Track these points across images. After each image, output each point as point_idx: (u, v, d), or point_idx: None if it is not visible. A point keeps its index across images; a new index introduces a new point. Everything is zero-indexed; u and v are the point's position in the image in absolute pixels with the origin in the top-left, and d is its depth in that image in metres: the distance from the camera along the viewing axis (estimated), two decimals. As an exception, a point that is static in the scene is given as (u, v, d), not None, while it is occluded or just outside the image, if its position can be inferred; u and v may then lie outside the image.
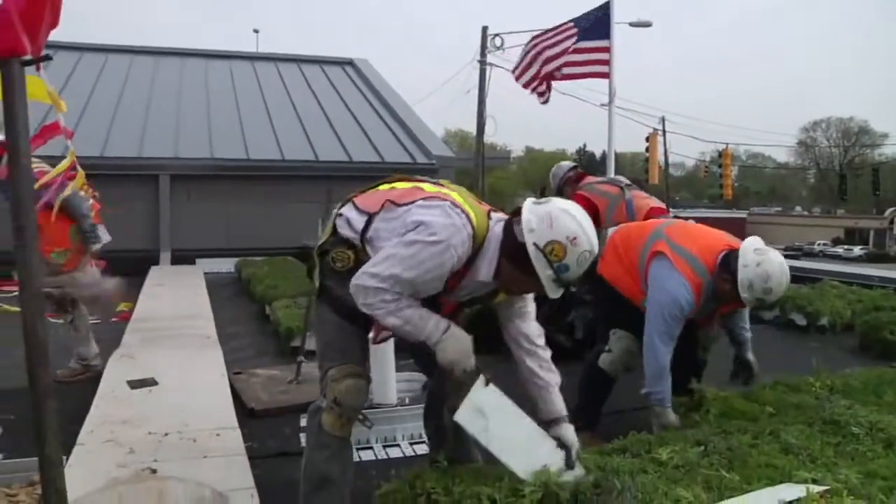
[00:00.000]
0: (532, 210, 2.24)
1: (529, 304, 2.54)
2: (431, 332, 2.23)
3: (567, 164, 6.31)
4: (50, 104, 2.78)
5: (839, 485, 2.30)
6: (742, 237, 3.55)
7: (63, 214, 4.51)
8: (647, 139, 23.88)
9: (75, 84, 14.31)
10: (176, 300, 7.96)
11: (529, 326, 2.52)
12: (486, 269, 2.29)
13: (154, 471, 2.99)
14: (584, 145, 61.81)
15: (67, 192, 4.34)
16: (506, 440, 2.27)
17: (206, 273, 10.50)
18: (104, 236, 5.09)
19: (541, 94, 9.02)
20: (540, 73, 8.88)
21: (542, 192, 6.19)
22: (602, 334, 3.89)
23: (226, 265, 11.39)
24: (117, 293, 5.53)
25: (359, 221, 2.42)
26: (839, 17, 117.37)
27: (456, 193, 2.39)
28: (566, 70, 8.88)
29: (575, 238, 2.17)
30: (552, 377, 2.50)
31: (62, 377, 4.75)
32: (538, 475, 2.24)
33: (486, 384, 2.26)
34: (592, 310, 4.92)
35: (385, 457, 3.58)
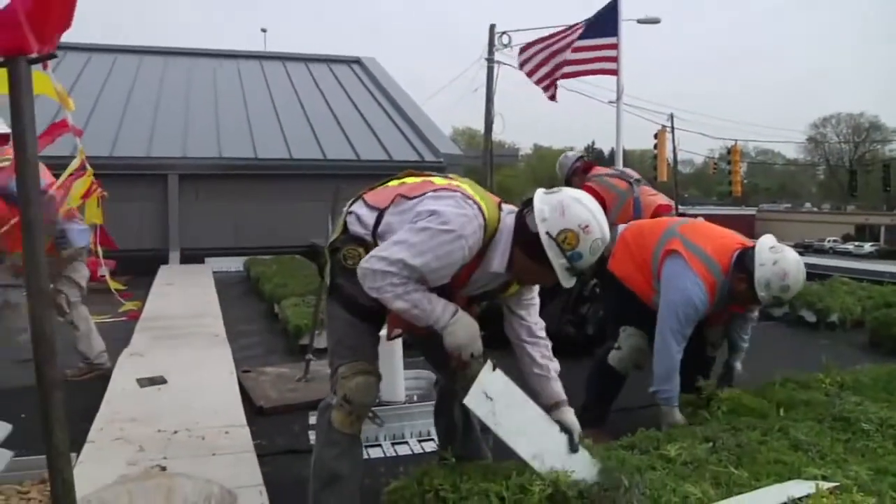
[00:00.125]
0: (544, 199, 2.25)
1: (535, 296, 2.56)
2: (440, 316, 2.23)
3: (573, 154, 6.29)
4: (59, 103, 2.79)
5: (849, 481, 2.29)
6: (751, 234, 3.54)
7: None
8: (656, 136, 23.75)
9: (84, 84, 14.40)
10: (185, 299, 8.00)
11: (533, 318, 2.55)
12: (498, 261, 2.30)
13: (163, 468, 3.01)
14: (593, 142, 61.73)
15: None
16: (512, 424, 2.28)
17: (215, 272, 10.57)
18: (78, 240, 4.85)
19: (550, 91, 9.04)
20: (554, 73, 8.89)
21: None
22: (612, 331, 3.89)
23: (235, 264, 11.45)
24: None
25: (370, 218, 2.43)
26: (851, 13, 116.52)
27: (467, 185, 2.40)
28: (575, 68, 8.88)
29: (587, 226, 2.18)
30: (552, 365, 2.53)
31: (71, 376, 4.77)
32: (548, 474, 2.25)
33: (494, 369, 2.28)
34: (603, 306, 4.92)
35: (393, 454, 3.58)
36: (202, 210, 12.29)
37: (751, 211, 57.18)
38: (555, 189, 2.33)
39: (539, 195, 2.29)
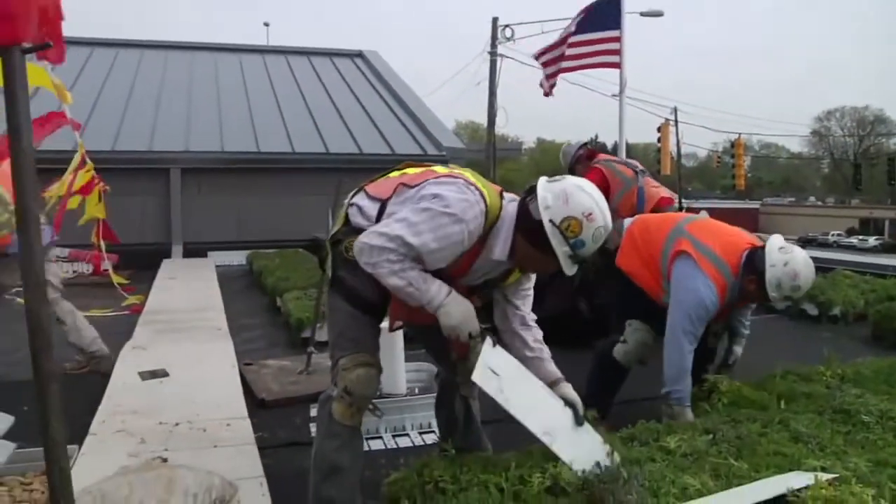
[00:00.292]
0: (547, 187, 2.26)
1: (531, 287, 2.58)
2: (434, 296, 2.24)
3: (577, 142, 6.31)
4: (57, 98, 2.79)
5: (848, 473, 2.29)
6: (755, 228, 3.55)
7: None
8: (659, 129, 23.72)
9: (86, 79, 14.40)
10: (188, 293, 8.01)
11: (527, 308, 2.56)
12: (500, 248, 2.30)
13: (164, 460, 3.02)
14: (596, 136, 61.49)
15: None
16: (521, 400, 2.29)
17: (217, 266, 10.58)
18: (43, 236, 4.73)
19: (550, 83, 9.02)
20: (557, 65, 8.87)
21: None
22: (617, 325, 3.89)
23: (237, 258, 11.46)
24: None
25: (372, 209, 2.43)
26: (856, 5, 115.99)
27: (468, 173, 2.41)
28: (577, 62, 8.85)
29: (590, 214, 2.19)
30: (545, 348, 2.55)
31: (70, 370, 4.78)
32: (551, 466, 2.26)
33: (494, 345, 2.29)
34: (604, 297, 4.97)
35: (394, 446, 3.59)
36: (204, 204, 12.30)
37: (755, 205, 57.07)
38: (558, 177, 2.33)
39: (542, 183, 2.29)
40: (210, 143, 12.60)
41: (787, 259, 3.27)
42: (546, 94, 9.17)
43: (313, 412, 3.55)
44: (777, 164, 69.09)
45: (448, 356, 2.62)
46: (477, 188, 2.27)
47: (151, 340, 5.48)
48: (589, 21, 8.69)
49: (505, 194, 2.40)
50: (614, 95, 9.38)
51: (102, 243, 8.34)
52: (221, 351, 5.17)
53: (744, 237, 3.60)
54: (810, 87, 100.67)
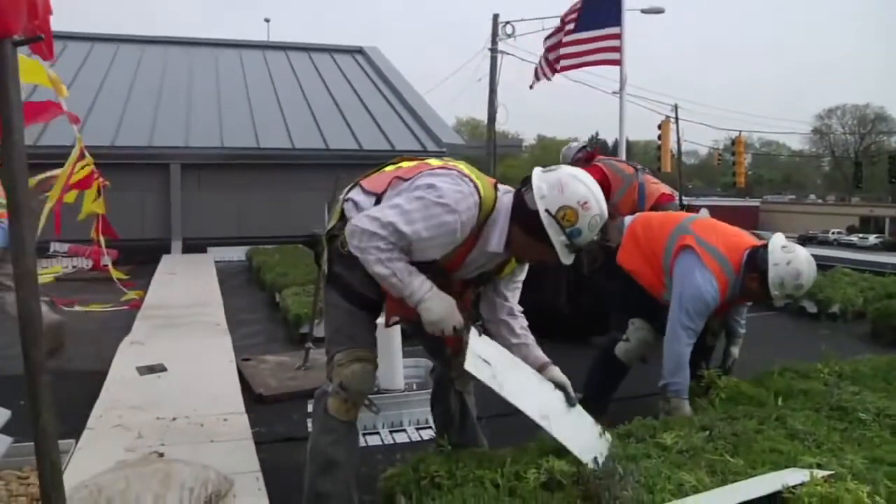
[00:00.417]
0: (542, 177, 2.26)
1: (521, 280, 2.60)
2: (416, 290, 2.24)
3: (577, 144, 6.35)
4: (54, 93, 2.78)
5: (844, 470, 2.29)
6: (755, 226, 3.56)
7: None
8: (660, 127, 23.71)
9: (86, 74, 14.39)
10: (187, 288, 8.02)
11: (515, 300, 2.58)
12: (496, 240, 2.31)
13: (161, 454, 3.02)
14: (597, 133, 61.59)
15: None
16: (515, 386, 2.30)
17: (217, 261, 10.59)
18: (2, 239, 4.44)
19: (553, 71, 9.03)
20: (555, 62, 8.86)
21: None
22: (618, 322, 3.89)
23: (237, 253, 11.47)
24: None
25: (367, 204, 2.42)
26: (857, 4, 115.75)
27: (463, 165, 2.41)
28: (577, 60, 8.84)
29: (586, 202, 2.19)
30: (530, 335, 2.56)
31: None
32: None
33: (480, 335, 2.30)
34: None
35: (391, 442, 3.59)
36: (204, 199, 12.30)
37: (755, 202, 57.04)
38: (553, 167, 2.34)
39: (537, 173, 2.30)
40: (210, 139, 12.59)
41: (789, 258, 3.28)
42: (537, 80, 9.20)
43: (310, 408, 3.55)
44: (778, 161, 69.08)
45: (443, 351, 2.62)
46: (471, 180, 2.28)
47: (150, 335, 5.49)
48: (589, 18, 8.67)
49: (500, 186, 2.40)
50: (615, 92, 9.38)
51: (102, 239, 8.35)
52: (220, 346, 5.17)
53: (746, 236, 3.64)
54: (811, 85, 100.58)
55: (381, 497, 2.51)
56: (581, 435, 2.40)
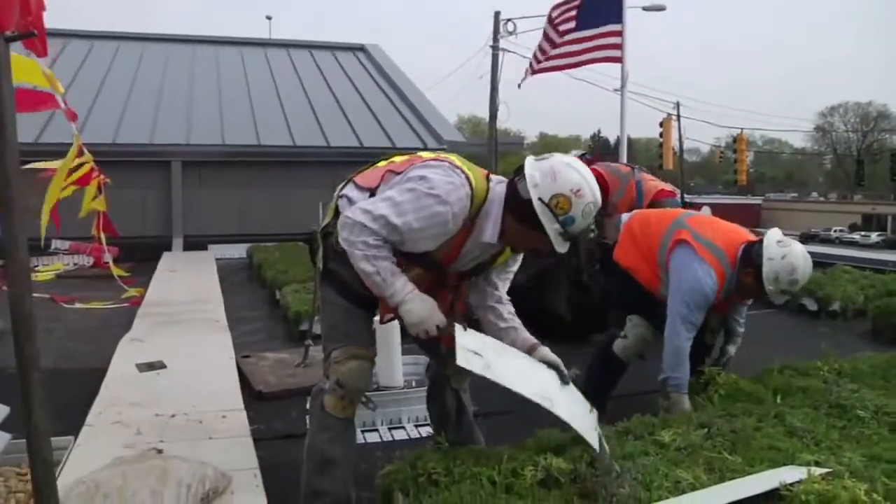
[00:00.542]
0: (535, 166, 2.26)
1: (514, 270, 2.60)
2: (398, 291, 2.24)
3: (576, 152, 6.42)
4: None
5: (842, 467, 2.28)
6: (757, 223, 3.55)
7: None
8: (662, 124, 23.70)
9: (87, 72, 14.41)
10: (187, 285, 8.02)
11: (504, 290, 2.58)
12: (490, 230, 2.30)
13: (159, 451, 3.02)
14: (599, 131, 61.47)
15: None
16: (509, 371, 2.29)
17: (217, 259, 10.60)
18: None
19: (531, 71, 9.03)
20: (554, 59, 8.86)
21: None
22: (616, 320, 3.89)
23: (238, 251, 11.48)
24: None
25: (361, 199, 2.42)
26: (859, 3, 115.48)
27: (454, 157, 2.41)
28: (578, 58, 8.83)
29: (579, 190, 2.19)
30: (517, 319, 2.55)
31: None
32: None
33: (465, 329, 2.29)
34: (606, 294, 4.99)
35: (390, 439, 3.59)
36: (205, 197, 12.31)
37: (757, 200, 56.95)
38: (545, 155, 2.33)
39: (529, 161, 2.29)
40: (211, 136, 12.61)
41: (784, 252, 3.26)
42: (532, 73, 9.21)
43: (309, 405, 3.56)
44: (780, 159, 68.94)
45: (438, 348, 2.61)
46: (462, 171, 2.28)
47: (150, 333, 5.49)
48: (589, 16, 8.67)
49: (492, 176, 2.40)
50: (616, 90, 9.40)
51: (103, 236, 8.35)
52: (219, 343, 5.17)
53: (742, 232, 3.63)
54: (813, 85, 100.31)
55: (378, 494, 2.52)
56: (579, 411, 2.39)
